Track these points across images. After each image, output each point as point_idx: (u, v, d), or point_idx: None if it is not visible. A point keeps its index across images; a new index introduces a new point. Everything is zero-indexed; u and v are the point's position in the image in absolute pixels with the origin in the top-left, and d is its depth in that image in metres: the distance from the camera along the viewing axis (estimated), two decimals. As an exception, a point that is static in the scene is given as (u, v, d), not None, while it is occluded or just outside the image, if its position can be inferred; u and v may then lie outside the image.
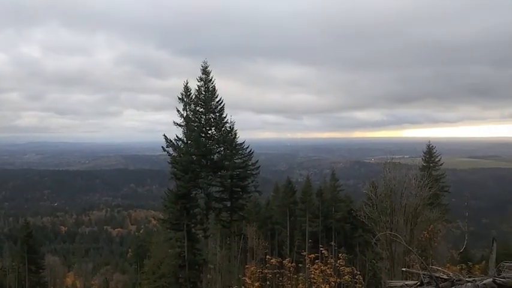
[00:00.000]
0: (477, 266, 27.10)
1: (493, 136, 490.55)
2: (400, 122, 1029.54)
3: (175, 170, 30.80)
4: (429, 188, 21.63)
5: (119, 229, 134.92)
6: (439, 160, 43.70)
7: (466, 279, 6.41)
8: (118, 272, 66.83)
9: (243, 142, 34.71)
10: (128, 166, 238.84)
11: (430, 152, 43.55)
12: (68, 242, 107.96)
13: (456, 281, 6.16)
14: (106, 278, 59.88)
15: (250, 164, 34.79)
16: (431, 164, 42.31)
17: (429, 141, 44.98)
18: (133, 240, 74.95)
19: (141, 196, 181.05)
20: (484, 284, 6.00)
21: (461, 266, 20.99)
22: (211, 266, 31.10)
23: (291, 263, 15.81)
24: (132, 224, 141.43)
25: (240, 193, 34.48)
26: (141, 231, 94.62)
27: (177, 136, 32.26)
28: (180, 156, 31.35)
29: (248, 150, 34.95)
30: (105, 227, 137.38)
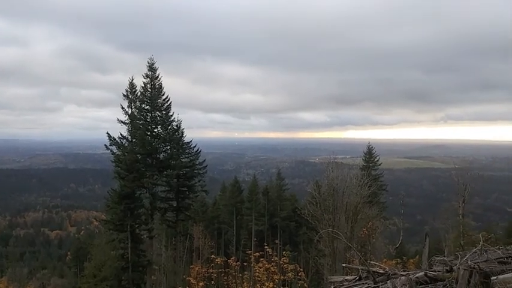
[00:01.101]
0: (412, 260, 28.82)
1: (427, 138, 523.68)
2: (343, 124, 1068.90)
3: (119, 169, 29.88)
4: (369, 186, 22.71)
5: (57, 231, 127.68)
6: (377, 160, 45.82)
7: (401, 273, 6.85)
8: (56, 276, 63.46)
9: (190, 141, 34.43)
10: (67, 165, 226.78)
11: (369, 153, 45.55)
12: (1, 245, 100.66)
13: (391, 275, 6.56)
14: (43, 283, 56.54)
15: (197, 163, 34.54)
16: (370, 164, 44.23)
17: (369, 142, 47.06)
18: (73, 242, 71.55)
19: (82, 196, 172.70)
20: (417, 277, 6.43)
21: (397, 260, 22.21)
22: (156, 267, 30.50)
23: (237, 261, 15.95)
24: (71, 226, 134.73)
25: (187, 193, 34.11)
26: (81, 233, 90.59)
27: (121, 134, 31.35)
28: (124, 155, 30.45)
29: (195, 149, 34.70)
30: (42, 229, 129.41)
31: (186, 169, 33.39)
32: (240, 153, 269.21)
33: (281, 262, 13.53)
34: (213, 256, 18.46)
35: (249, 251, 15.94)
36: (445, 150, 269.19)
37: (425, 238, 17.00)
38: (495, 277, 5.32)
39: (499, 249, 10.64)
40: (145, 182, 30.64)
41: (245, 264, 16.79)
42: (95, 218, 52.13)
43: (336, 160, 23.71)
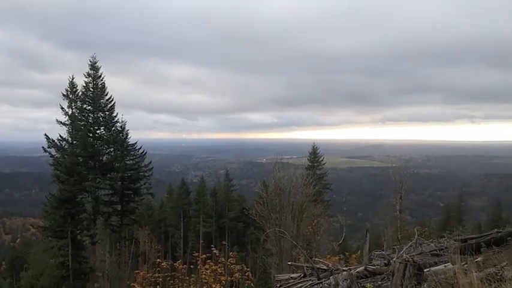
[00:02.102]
0: (354, 256, 30.02)
1: (367, 138, 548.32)
2: (289, 124, 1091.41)
3: (59, 172, 28.42)
4: (314, 185, 23.41)
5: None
6: (322, 160, 47.24)
7: (343, 268, 7.17)
8: (-12, 288, 58.98)
9: (136, 142, 33.64)
10: (1, 169, 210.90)
11: (314, 153, 46.85)
12: None
13: (334, 270, 6.85)
14: (-27, 296, 52.35)
15: (142, 165, 33.81)
16: (315, 164, 45.52)
17: (314, 143, 48.38)
18: (8, 251, 66.69)
19: (17, 202, 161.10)
20: (357, 272, 6.77)
21: (340, 256, 23.03)
22: (99, 274, 29.32)
23: (183, 264, 15.78)
24: (6, 234, 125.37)
25: (132, 196, 33.27)
26: (17, 241, 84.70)
27: (60, 136, 29.88)
28: (64, 158, 29.01)
29: (141, 151, 33.94)
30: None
31: (131, 171, 32.53)
32: (187, 155, 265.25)
33: (228, 263, 13.58)
34: (158, 260, 18.09)
35: (196, 254, 15.81)
36: (383, 149, 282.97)
37: (366, 234, 17.82)
38: (428, 269, 5.73)
39: (432, 242, 11.44)
40: (87, 185, 29.43)
41: (192, 267, 16.65)
42: (31, 225, 48.95)
43: (282, 160, 24.16)
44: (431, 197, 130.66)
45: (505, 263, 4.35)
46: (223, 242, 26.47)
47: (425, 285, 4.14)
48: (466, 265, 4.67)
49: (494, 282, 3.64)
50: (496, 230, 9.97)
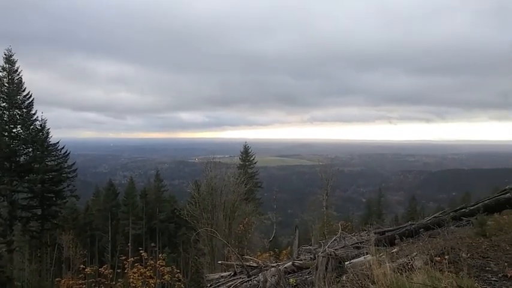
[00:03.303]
0: (284, 252, 30.91)
1: (296, 137, 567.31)
2: (221, 124, 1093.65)
3: (-33, 175, 25.91)
4: (245, 184, 23.79)
5: None
6: (253, 159, 48.04)
7: (272, 264, 7.42)
8: None
9: (58, 142, 31.91)
10: None
11: (246, 152, 47.49)
12: None
13: (264, 267, 7.07)
14: None
15: (65, 166, 32.13)
16: (247, 163, 46.19)
17: (245, 142, 49.04)
18: None
19: None
20: (285, 267, 7.04)
21: (270, 253, 23.60)
22: (18, 284, 27.23)
23: (111, 269, 15.19)
24: None
25: (54, 199, 31.44)
26: None
27: (-32, 135, 27.19)
28: (-26, 159, 26.51)
29: (64, 151, 32.24)
30: None
31: (53, 173, 30.65)
32: (115, 155, 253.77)
33: (158, 265, 13.33)
34: (82, 266, 17.22)
35: (125, 257, 15.30)
36: (311, 148, 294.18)
37: (295, 230, 18.51)
38: (349, 261, 6.14)
39: (354, 235, 12.20)
40: (2, 189, 27.21)
41: (119, 271, 16.07)
42: None
43: (214, 160, 24.22)
44: (355, 193, 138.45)
45: (415, 254, 4.81)
46: (152, 244, 25.96)
47: (344, 277, 4.46)
48: (383, 256, 5.09)
49: (406, 271, 4.01)
50: (409, 222, 10.90)
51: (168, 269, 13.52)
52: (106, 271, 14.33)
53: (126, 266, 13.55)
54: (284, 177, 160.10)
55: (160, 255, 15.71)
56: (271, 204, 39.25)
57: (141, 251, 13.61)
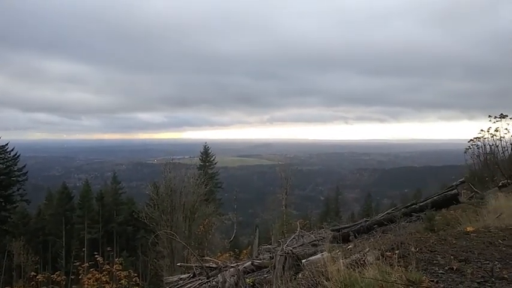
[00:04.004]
0: (245, 251, 31.05)
1: (256, 138, 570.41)
2: (180, 125, 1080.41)
3: None
4: (205, 185, 23.67)
5: None
6: (214, 159, 47.91)
7: (231, 265, 7.45)
8: None
9: (6, 144, 30.66)
10: None
11: (206, 152, 47.27)
12: None
13: (223, 268, 7.09)
14: None
15: (15, 169, 30.80)
16: (207, 163, 45.99)
17: (205, 143, 48.86)
18: None
19: None
20: (245, 267, 7.10)
21: (230, 253, 23.64)
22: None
23: (65, 275, 14.65)
24: None
25: (2, 204, 30.06)
26: None
27: None
28: None
29: (13, 153, 30.85)
30: None
31: (1, 177, 29.27)
32: (69, 157, 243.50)
33: (114, 270, 12.98)
34: (34, 273, 16.45)
35: (79, 262, 14.78)
36: (271, 148, 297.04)
37: (256, 230, 18.63)
38: (307, 259, 6.28)
39: (312, 233, 12.48)
40: None
41: (73, 277, 15.50)
42: None
43: (173, 161, 23.92)
44: (313, 191, 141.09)
45: (367, 249, 5.00)
46: (108, 248, 25.31)
47: (300, 274, 4.57)
48: (339, 252, 5.26)
49: (358, 267, 4.17)
50: (364, 219, 11.32)
51: (125, 273, 13.18)
52: (59, 278, 13.80)
53: (80, 271, 13.09)
54: (244, 177, 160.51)
55: (117, 259, 15.27)
56: (232, 205, 39.33)
57: (96, 256, 13.19)
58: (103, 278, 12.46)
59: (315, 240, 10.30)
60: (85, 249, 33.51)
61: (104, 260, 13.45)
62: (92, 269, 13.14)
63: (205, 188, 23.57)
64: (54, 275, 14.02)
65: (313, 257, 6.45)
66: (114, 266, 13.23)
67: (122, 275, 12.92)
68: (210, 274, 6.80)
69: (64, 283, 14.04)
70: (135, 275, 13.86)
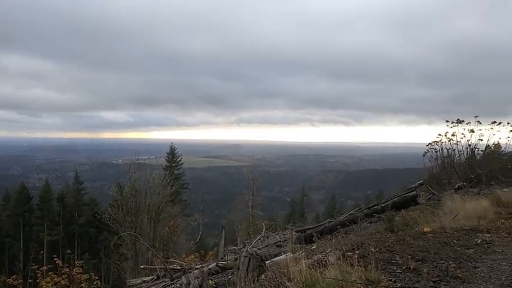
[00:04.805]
0: (210, 253, 30.91)
1: (224, 139, 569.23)
2: (146, 124, 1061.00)
3: None
4: (171, 186, 23.42)
5: None
6: (180, 160, 47.35)
7: (196, 266, 7.42)
8: None
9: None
10: None
11: (172, 153, 46.65)
12: None
13: (187, 269, 7.05)
14: None
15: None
16: (173, 164, 45.39)
17: (172, 143, 48.20)
18: None
19: None
20: (209, 268, 7.09)
21: (196, 254, 23.49)
22: None
23: (23, 279, 14.10)
24: None
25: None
26: None
27: None
28: None
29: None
30: None
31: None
32: (29, 156, 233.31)
33: (74, 273, 12.62)
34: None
35: (37, 266, 14.25)
36: (238, 149, 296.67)
37: (222, 231, 18.61)
38: (271, 260, 6.34)
39: (277, 234, 12.59)
40: None
41: (31, 281, 14.93)
42: None
43: (139, 161, 23.53)
44: (280, 192, 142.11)
45: (329, 250, 5.12)
46: (67, 251, 24.50)
47: (263, 275, 4.62)
48: (302, 253, 5.35)
49: (320, 267, 4.26)
50: (328, 220, 11.57)
51: (85, 276, 12.84)
52: (16, 281, 13.29)
53: (39, 275, 12.64)
54: (211, 178, 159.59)
55: (77, 262, 14.82)
56: (198, 206, 39.04)
57: (55, 259, 12.76)
58: (62, 281, 12.09)
59: (279, 241, 10.39)
60: (44, 251, 32.34)
61: (63, 263, 13.04)
62: (50, 272, 12.73)
63: (171, 188, 23.33)
64: (11, 279, 13.46)
65: (278, 258, 6.53)
66: (74, 269, 12.86)
67: (83, 278, 12.59)
68: (174, 276, 6.75)
69: (21, 287, 13.50)
70: (97, 278, 13.54)
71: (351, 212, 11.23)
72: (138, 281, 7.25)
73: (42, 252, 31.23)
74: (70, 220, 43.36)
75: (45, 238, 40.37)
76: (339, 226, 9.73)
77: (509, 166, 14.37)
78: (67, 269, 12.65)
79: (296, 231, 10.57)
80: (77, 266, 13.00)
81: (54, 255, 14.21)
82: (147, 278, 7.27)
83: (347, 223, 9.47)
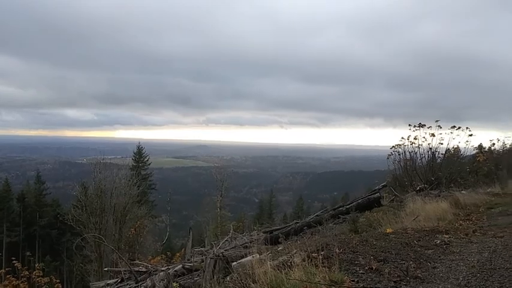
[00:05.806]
0: (178, 254, 30.58)
1: (192, 139, 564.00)
2: (112, 123, 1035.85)
3: None
4: (138, 186, 23.05)
5: None
6: (147, 160, 46.49)
7: (162, 268, 7.33)
8: None
9: None
10: None
11: (139, 153, 45.74)
12: None
13: (153, 271, 6.96)
14: None
15: None
16: (140, 164, 44.49)
17: (139, 142, 47.25)
18: None
19: None
20: (175, 270, 7.02)
21: (162, 256, 23.19)
22: None
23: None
24: None
25: None
26: None
27: None
28: None
29: None
30: None
31: None
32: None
33: (33, 276, 12.17)
34: None
35: (-5, 269, 13.65)
36: (207, 150, 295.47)
37: (189, 232, 18.44)
38: (238, 261, 6.36)
39: (245, 235, 12.63)
40: None
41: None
42: None
43: (104, 161, 23.02)
44: (248, 193, 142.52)
45: (295, 251, 5.20)
46: (27, 253, 23.59)
47: (228, 277, 4.64)
48: (268, 254, 5.40)
49: (285, 268, 4.32)
50: (295, 221, 11.71)
51: (46, 279, 12.41)
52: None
53: (-5, 279, 12.12)
54: (179, 178, 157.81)
55: (37, 264, 14.28)
56: (166, 207, 38.55)
57: (14, 261, 12.26)
58: (21, 284, 11.64)
59: (247, 243, 10.42)
60: (3, 254, 30.98)
61: (23, 266, 12.55)
62: (9, 276, 12.21)
63: (138, 189, 22.97)
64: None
65: (244, 259, 6.55)
66: (34, 272, 12.41)
67: (43, 281, 12.16)
68: (139, 278, 6.65)
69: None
70: (58, 281, 13.12)
71: (317, 213, 11.42)
72: (102, 283, 7.09)
73: (0, 254, 29.88)
74: (31, 221, 41.76)
75: (4, 240, 38.66)
76: (306, 227, 9.87)
77: (468, 169, 15.07)
78: (26, 272, 12.17)
79: (263, 233, 10.64)
80: (37, 269, 12.53)
81: (13, 258, 13.63)
82: (111, 281, 7.11)
83: (313, 224, 9.63)
